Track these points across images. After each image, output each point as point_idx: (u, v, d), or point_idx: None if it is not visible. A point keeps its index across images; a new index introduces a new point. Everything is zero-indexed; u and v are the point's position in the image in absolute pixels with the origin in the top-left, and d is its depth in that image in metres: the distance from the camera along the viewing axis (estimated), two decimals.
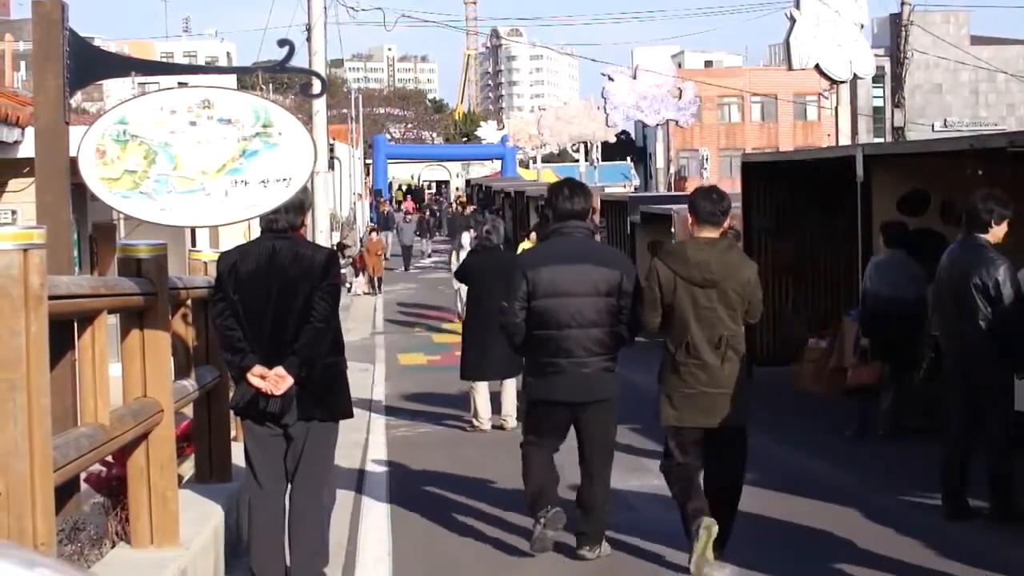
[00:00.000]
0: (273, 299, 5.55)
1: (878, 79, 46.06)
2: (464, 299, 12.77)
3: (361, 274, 28.29)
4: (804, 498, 7.96)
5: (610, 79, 47.48)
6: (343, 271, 27.82)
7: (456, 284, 14.43)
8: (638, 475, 8.84)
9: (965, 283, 7.11)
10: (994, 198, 7.26)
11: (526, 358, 6.57)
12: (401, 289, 28.20)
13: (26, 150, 10.62)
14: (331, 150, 29.56)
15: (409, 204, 60.33)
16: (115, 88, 38.54)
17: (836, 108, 35.68)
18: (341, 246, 30.04)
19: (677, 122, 50.49)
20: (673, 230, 16.50)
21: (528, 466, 6.53)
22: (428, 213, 42.08)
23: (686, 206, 6.49)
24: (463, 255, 14.71)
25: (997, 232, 7.23)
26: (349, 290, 26.84)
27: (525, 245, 19.07)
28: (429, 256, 36.60)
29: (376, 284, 26.77)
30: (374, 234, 28.22)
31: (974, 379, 7.20)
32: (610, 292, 6.29)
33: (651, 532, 7.21)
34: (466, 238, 18.86)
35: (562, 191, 6.54)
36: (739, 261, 6.28)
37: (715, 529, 5.98)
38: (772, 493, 8.15)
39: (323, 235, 20.87)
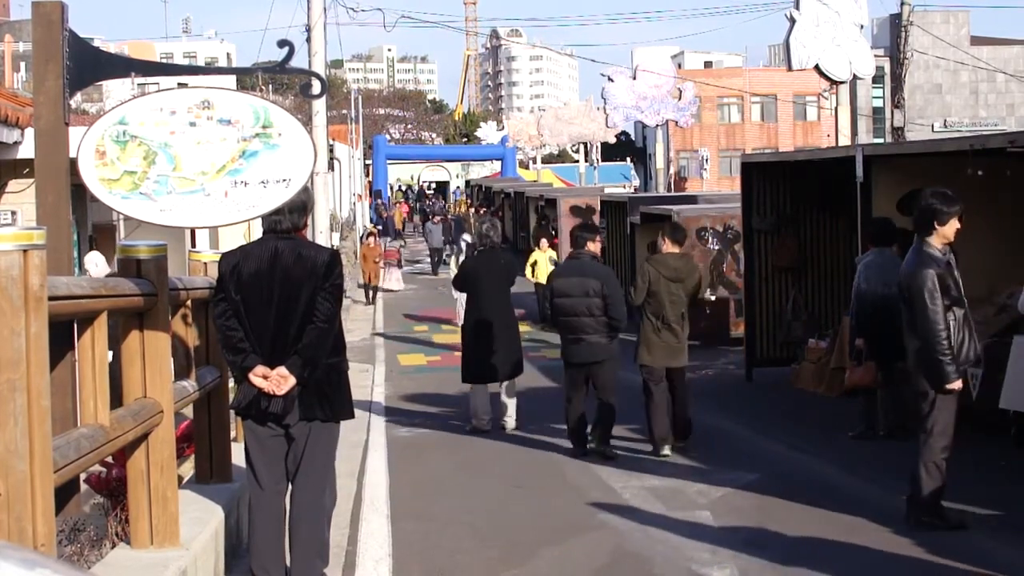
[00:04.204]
0: (276, 300, 5.55)
1: (878, 79, 46.10)
2: (463, 303, 12.71)
3: (396, 269, 28.68)
4: (805, 498, 7.96)
5: (610, 79, 47.49)
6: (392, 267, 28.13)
7: (455, 293, 14.28)
8: (638, 476, 8.86)
9: (901, 289, 7.20)
10: (938, 197, 7.16)
11: (560, 335, 10.09)
12: (402, 290, 28.20)
13: (26, 151, 10.62)
14: (331, 151, 29.49)
15: (404, 208, 60.07)
16: (115, 89, 38.52)
17: (836, 108, 35.72)
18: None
19: (677, 122, 50.51)
20: None
21: (568, 411, 9.89)
22: (447, 216, 41.52)
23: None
24: (463, 259, 14.68)
25: (946, 231, 7.12)
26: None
27: (538, 254, 20.11)
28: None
29: (373, 293, 25.88)
30: (371, 239, 26.98)
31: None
32: (597, 294, 9.68)
33: (651, 531, 7.22)
34: (465, 241, 18.90)
35: (576, 231, 10.38)
36: (694, 266, 10.42)
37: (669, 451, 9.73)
38: (773, 492, 8.16)
39: (323, 235, 20.87)
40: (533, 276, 20.24)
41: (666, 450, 9.66)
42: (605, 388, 9.86)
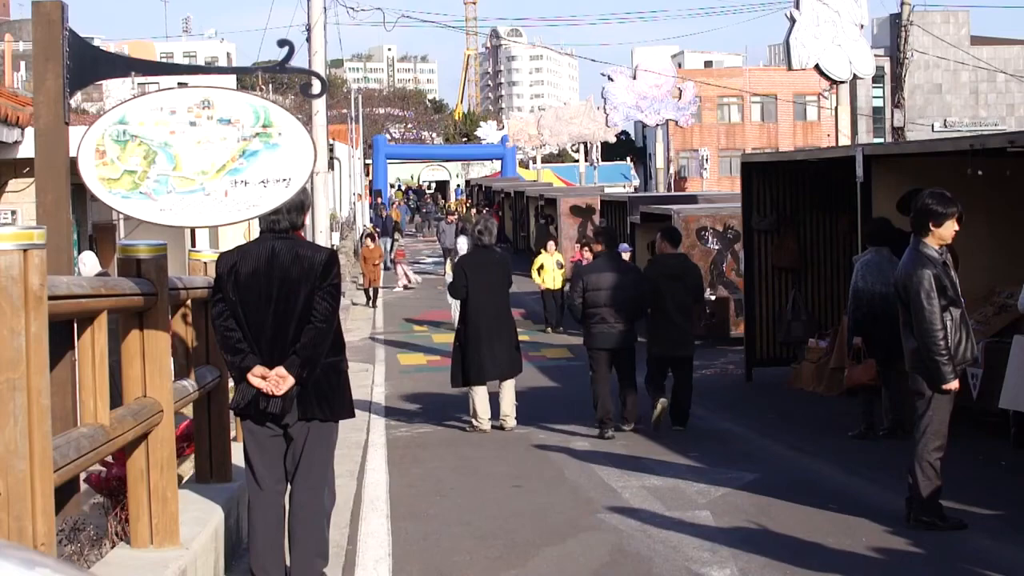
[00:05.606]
0: (274, 299, 5.54)
1: (878, 79, 46.09)
2: (458, 304, 12.65)
3: (409, 266, 29.05)
4: (805, 498, 7.96)
5: (610, 79, 47.45)
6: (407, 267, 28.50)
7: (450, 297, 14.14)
8: (638, 476, 8.86)
9: (898, 289, 7.18)
10: (935, 198, 7.11)
11: (584, 324, 10.98)
12: (401, 290, 28.21)
13: (26, 150, 10.62)
14: (331, 150, 29.47)
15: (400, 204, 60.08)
16: (115, 88, 38.54)
17: (836, 108, 35.69)
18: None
19: (677, 122, 50.45)
20: None
21: (595, 392, 10.70)
22: (456, 216, 41.75)
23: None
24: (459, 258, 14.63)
25: (943, 232, 7.07)
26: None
27: (544, 257, 20.13)
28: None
29: (374, 295, 25.55)
30: (370, 240, 26.56)
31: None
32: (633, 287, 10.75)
33: (651, 531, 7.22)
34: (463, 242, 18.82)
35: (607, 233, 11.85)
36: (692, 265, 11.60)
37: (665, 403, 10.78)
38: (773, 493, 8.15)
39: (323, 235, 20.85)
40: (540, 280, 20.08)
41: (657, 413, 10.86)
42: (627, 372, 10.83)
